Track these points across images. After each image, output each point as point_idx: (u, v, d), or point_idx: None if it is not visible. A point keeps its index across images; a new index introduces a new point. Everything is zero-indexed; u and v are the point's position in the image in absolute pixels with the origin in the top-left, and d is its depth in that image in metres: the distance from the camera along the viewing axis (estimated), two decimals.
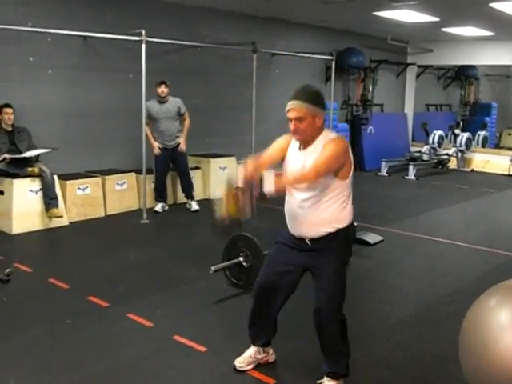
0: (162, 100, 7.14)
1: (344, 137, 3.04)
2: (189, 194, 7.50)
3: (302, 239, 3.00)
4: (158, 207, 7.41)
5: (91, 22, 7.20)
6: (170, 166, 7.47)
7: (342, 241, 2.99)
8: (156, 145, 7.21)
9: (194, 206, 7.41)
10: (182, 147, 7.29)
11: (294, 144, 3.01)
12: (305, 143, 2.94)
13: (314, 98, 2.86)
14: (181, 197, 7.73)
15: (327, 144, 2.85)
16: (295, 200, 2.97)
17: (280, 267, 3.07)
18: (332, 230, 2.93)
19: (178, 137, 7.30)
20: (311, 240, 2.97)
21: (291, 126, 2.87)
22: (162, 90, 7.08)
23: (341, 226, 2.95)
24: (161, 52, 7.91)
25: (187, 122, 7.36)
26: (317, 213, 2.92)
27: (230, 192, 2.81)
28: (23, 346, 3.58)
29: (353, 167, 2.95)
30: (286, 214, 3.08)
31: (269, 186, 2.71)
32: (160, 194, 7.43)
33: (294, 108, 2.84)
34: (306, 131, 2.86)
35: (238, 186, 2.80)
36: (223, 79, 9.10)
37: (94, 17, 7.30)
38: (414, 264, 5.60)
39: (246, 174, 2.79)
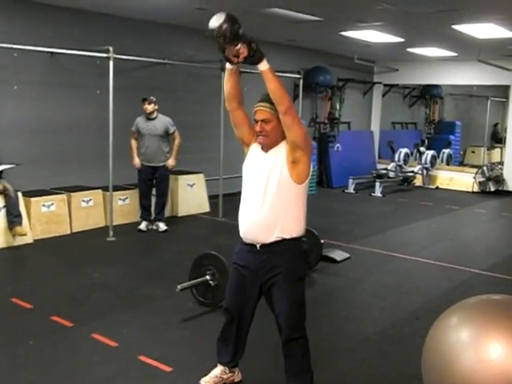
0: (148, 117, 7.05)
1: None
2: (159, 217, 7.37)
3: (253, 245, 2.99)
4: (143, 225, 7.30)
5: (58, 37, 7.17)
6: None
7: (294, 255, 2.99)
8: (137, 160, 7.12)
9: (162, 226, 7.32)
10: (170, 164, 7.17)
11: (256, 145, 3.05)
12: (267, 147, 2.97)
13: None
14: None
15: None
16: (251, 201, 2.97)
17: (239, 299, 3.12)
18: (284, 236, 2.92)
19: (164, 158, 7.18)
20: (262, 246, 2.96)
21: (257, 127, 2.93)
22: (146, 106, 6.98)
23: (293, 235, 2.95)
24: (129, 68, 7.90)
25: (177, 142, 7.20)
26: (270, 215, 2.92)
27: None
28: None
29: (310, 175, 2.96)
30: (239, 216, 3.07)
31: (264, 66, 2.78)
32: (146, 212, 7.34)
33: (261, 109, 2.91)
34: (271, 134, 2.91)
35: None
36: (191, 96, 9.12)
37: (62, 32, 7.27)
38: (380, 281, 5.65)
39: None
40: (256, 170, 2.98)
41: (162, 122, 7.10)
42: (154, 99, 7.03)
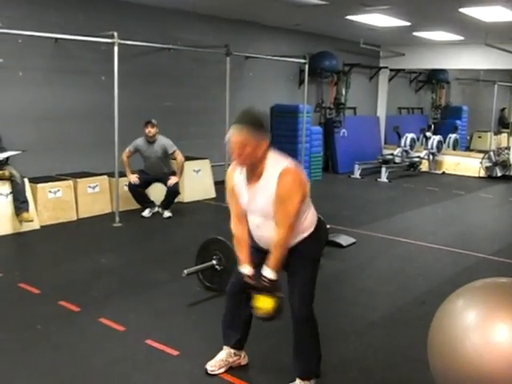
0: (150, 140, 7.12)
1: (295, 164, 2.88)
2: (166, 207, 7.37)
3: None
4: (146, 212, 7.33)
5: (63, 23, 7.14)
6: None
7: (311, 240, 3.02)
8: (133, 176, 7.14)
9: (167, 213, 7.33)
10: (172, 182, 7.17)
11: (240, 175, 2.95)
12: (252, 170, 2.88)
13: (256, 122, 2.79)
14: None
15: (283, 183, 2.77)
16: (256, 224, 2.99)
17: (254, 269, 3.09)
18: (299, 239, 2.97)
19: (165, 173, 7.24)
20: None
21: (234, 152, 2.80)
22: (149, 130, 7.04)
23: (306, 234, 2.99)
24: (133, 54, 7.87)
25: (179, 160, 7.23)
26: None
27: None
28: None
29: (309, 186, 2.96)
30: (251, 233, 3.07)
31: (269, 275, 2.89)
32: (143, 203, 7.37)
33: (235, 134, 2.76)
34: (250, 156, 2.79)
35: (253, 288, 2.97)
36: (196, 82, 9.09)
37: (66, 18, 7.24)
38: (386, 266, 5.65)
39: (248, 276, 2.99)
40: (249, 207, 2.96)
41: (161, 145, 7.15)
42: (156, 122, 7.08)
